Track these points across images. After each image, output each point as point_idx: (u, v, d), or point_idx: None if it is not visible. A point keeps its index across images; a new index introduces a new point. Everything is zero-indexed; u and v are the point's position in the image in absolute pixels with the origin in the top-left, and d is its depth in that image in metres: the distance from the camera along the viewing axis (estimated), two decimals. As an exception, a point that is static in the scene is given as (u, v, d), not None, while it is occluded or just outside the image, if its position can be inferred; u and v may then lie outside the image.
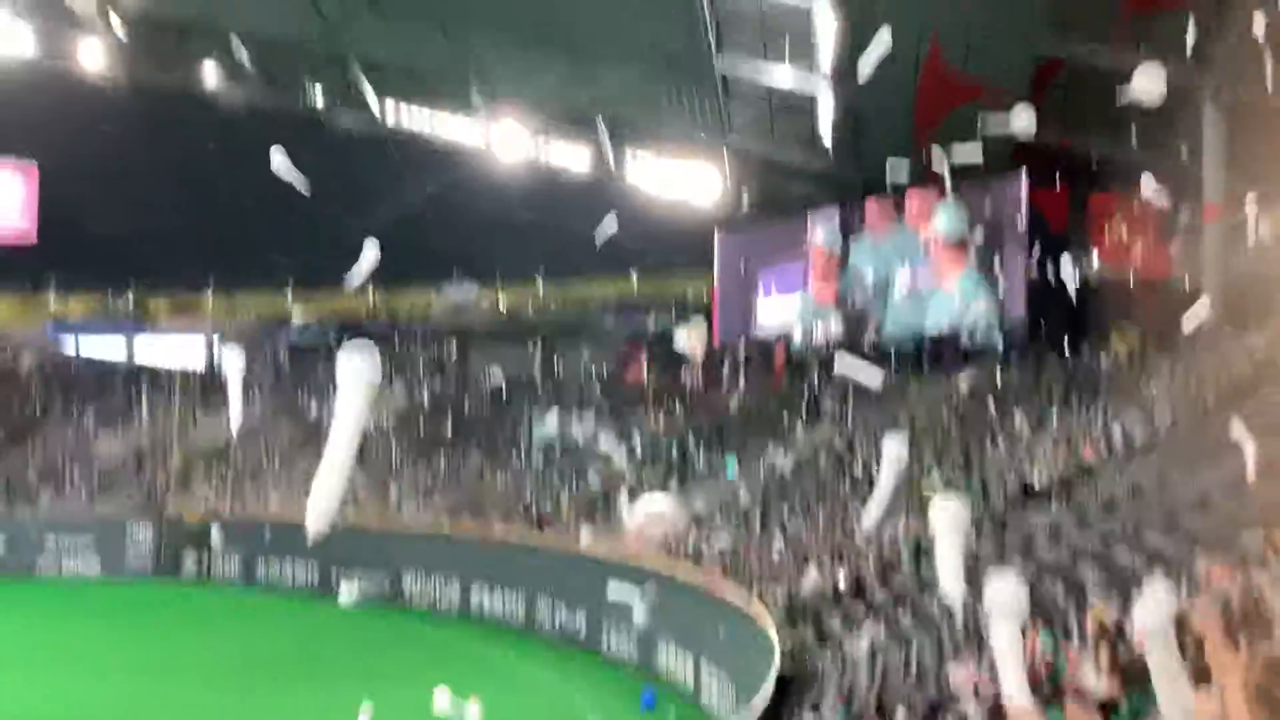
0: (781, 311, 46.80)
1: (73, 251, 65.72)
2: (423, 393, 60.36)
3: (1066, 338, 36.87)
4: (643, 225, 53.11)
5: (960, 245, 41.32)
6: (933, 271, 41.66)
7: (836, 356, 41.45)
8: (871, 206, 44.47)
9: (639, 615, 26.46)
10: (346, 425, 8.40)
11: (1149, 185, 22.13)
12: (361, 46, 52.04)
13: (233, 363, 17.67)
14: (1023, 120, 14.51)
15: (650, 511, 37.51)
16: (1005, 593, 6.78)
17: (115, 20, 55.23)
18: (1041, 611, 18.43)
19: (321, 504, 8.59)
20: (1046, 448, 29.04)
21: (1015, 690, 6.56)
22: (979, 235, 40.48)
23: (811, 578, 27.35)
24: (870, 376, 20.80)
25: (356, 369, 8.32)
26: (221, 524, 48.63)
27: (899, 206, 43.14)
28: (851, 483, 33.46)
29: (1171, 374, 30.65)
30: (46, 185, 66.73)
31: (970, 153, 21.82)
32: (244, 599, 45.04)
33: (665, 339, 52.01)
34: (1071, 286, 29.78)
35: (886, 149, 42.38)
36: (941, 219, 40.93)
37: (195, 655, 35.05)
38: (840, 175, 46.22)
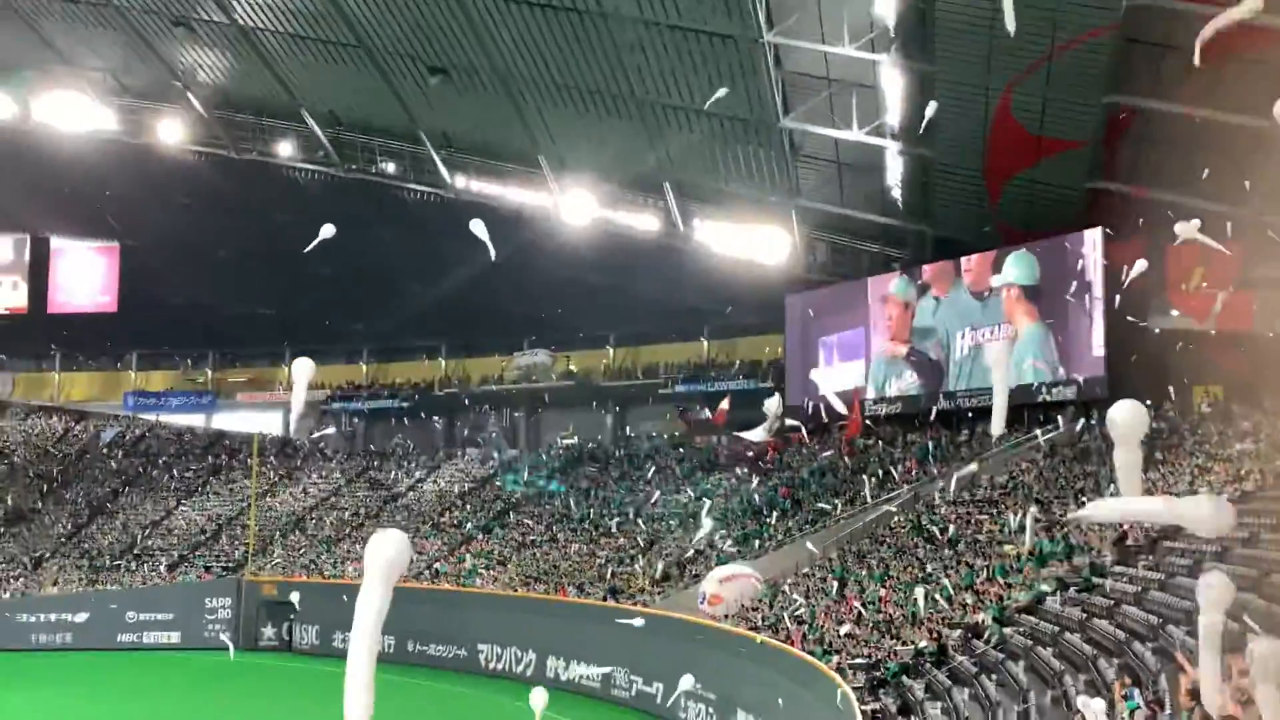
0: (844, 378, 46.65)
1: (152, 324, 67.44)
2: (495, 461, 60.67)
3: (1146, 392, 36.16)
4: (712, 288, 53.44)
5: (1032, 296, 40.95)
6: (1006, 321, 41.49)
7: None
8: (932, 270, 44.48)
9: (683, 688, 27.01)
10: (368, 616, 8.22)
11: (1224, 236, 21.76)
12: (433, 119, 53.08)
13: (302, 369, 18.05)
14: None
15: (727, 578, 37.37)
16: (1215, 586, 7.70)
17: (195, 97, 56.91)
18: (1130, 674, 17.93)
19: (358, 697, 8.49)
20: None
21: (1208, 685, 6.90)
22: (1051, 288, 40.12)
23: (893, 646, 26.89)
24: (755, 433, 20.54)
25: (388, 560, 8.25)
26: (299, 593, 49.08)
27: (959, 268, 43.16)
28: (930, 545, 32.94)
29: (1257, 429, 29.90)
30: (128, 258, 68.71)
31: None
32: (322, 668, 45.22)
33: (740, 402, 51.98)
34: (1149, 340, 29.25)
35: (957, 207, 42.40)
36: (1013, 269, 40.58)
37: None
38: (910, 234, 46.10)
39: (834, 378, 48.04)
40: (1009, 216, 40.44)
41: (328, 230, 19.67)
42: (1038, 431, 38.29)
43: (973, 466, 33.72)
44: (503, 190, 54.65)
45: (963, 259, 43.31)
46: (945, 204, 42.94)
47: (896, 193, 43.08)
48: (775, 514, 42.86)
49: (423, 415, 67.44)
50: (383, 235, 60.53)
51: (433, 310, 63.51)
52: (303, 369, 18.15)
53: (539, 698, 24.11)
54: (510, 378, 63.78)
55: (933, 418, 42.24)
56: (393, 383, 68.36)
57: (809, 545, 38.09)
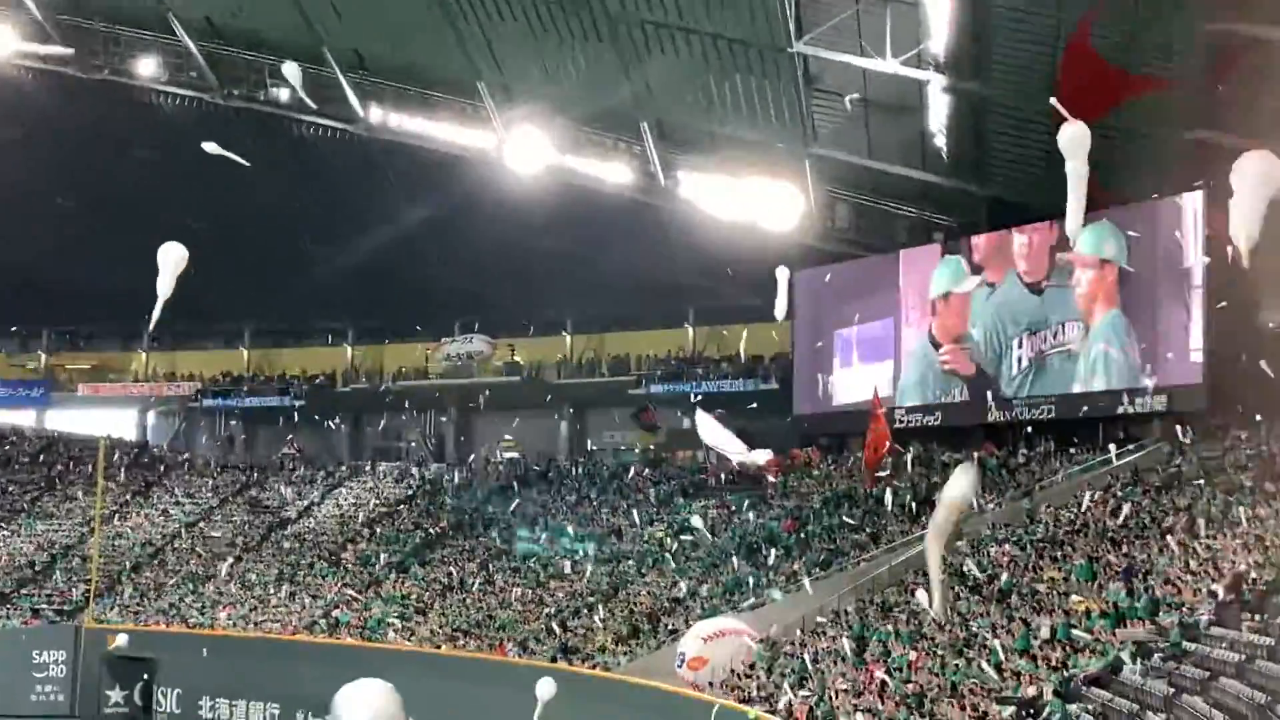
0: (867, 384, 46.93)
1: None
2: (415, 477, 60.55)
3: (1257, 406, 36.42)
4: (701, 259, 53.37)
5: (1111, 278, 41.20)
6: (1079, 309, 41.80)
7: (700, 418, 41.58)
8: (985, 245, 44.68)
9: None
10: None
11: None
12: (342, 33, 52.85)
13: (170, 255, 18.40)
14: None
15: (713, 635, 37.32)
16: None
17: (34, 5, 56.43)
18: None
19: None
20: (1234, 551, 28.57)
21: None
22: (1137, 269, 40.37)
23: (924, 724, 27.00)
24: (733, 446, 20.79)
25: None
26: (154, 647, 48.72)
27: (1031, 241, 43.30)
28: (975, 596, 33.05)
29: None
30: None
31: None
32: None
33: (735, 407, 51.99)
34: (1262, 340, 29.44)
35: (1017, 161, 42.53)
36: (1090, 240, 40.84)
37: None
38: (956, 195, 46.23)
39: (853, 384, 48.20)
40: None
41: (213, 147, 19.92)
42: (1113, 450, 38.48)
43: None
44: (431, 128, 54.45)
45: (1016, 234, 43.41)
46: (1002, 157, 43.10)
47: (940, 141, 43.12)
48: (776, 553, 42.89)
49: (321, 418, 67.10)
50: (273, 183, 60.16)
51: (338, 283, 63.24)
52: (171, 254, 18.42)
53: (545, 688, 26.92)
54: (437, 371, 63.62)
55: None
56: (283, 375, 68.14)
57: (815, 592, 38.16)
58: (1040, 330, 43.25)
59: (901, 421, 46.48)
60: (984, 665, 28.24)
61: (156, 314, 21.08)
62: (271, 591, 51.98)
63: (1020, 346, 43.78)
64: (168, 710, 47.67)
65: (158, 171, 61.20)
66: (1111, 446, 38.67)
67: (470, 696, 41.30)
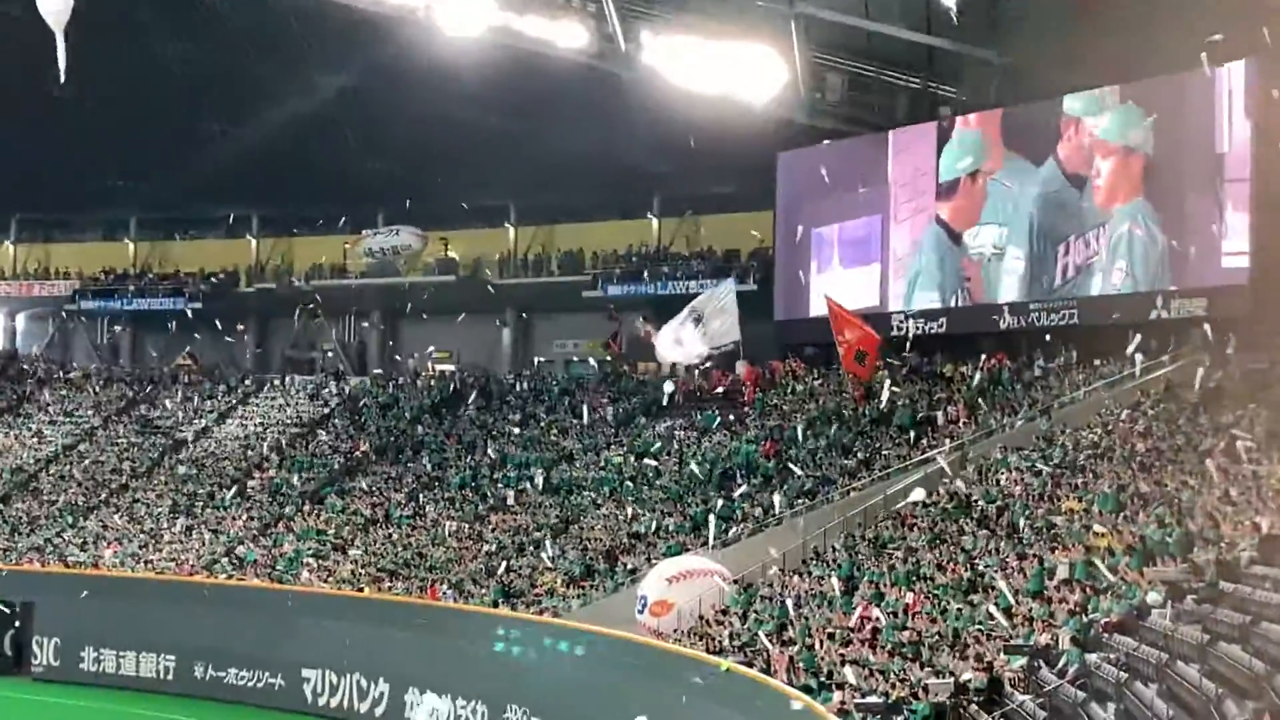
0: (862, 285, 47.12)
1: None
2: (332, 393, 60.49)
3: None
4: (667, 139, 53.12)
5: (1135, 162, 41.39)
6: (1097, 201, 42.01)
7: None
8: (987, 122, 44.76)
9: None
10: None
11: None
12: None
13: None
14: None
15: (679, 575, 37.50)
16: None
17: None
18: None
19: None
20: (1282, 481, 28.75)
21: None
22: (1165, 155, 40.50)
23: (927, 679, 27.24)
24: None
25: None
26: (27, 590, 48.75)
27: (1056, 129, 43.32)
28: (981, 531, 33.31)
29: None
30: None
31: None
32: (68, 701, 45.12)
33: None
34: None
35: (1040, 19, 42.38)
36: (1108, 123, 40.87)
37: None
38: (968, 62, 46.11)
39: (845, 285, 48.30)
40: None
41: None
42: (1139, 361, 38.58)
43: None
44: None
45: (1062, 118, 43.26)
46: (1022, 14, 42.98)
47: (950, -1, 42.98)
48: (753, 481, 43.07)
49: (221, 323, 66.76)
50: (164, 45, 59.53)
51: (241, 165, 62.73)
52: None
53: None
54: (358, 268, 63.36)
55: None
56: (176, 272, 67.74)
57: (799, 526, 38.37)
58: (1082, 234, 43.11)
59: (898, 329, 46.58)
60: (991, 609, 28.50)
61: (62, 60, 20.81)
62: (165, 525, 51.99)
63: (1067, 254, 43.66)
64: (44, 661, 47.82)
65: (26, 30, 60.31)
66: (1139, 357, 38.80)
67: (397, 645, 41.58)
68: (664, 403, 50.25)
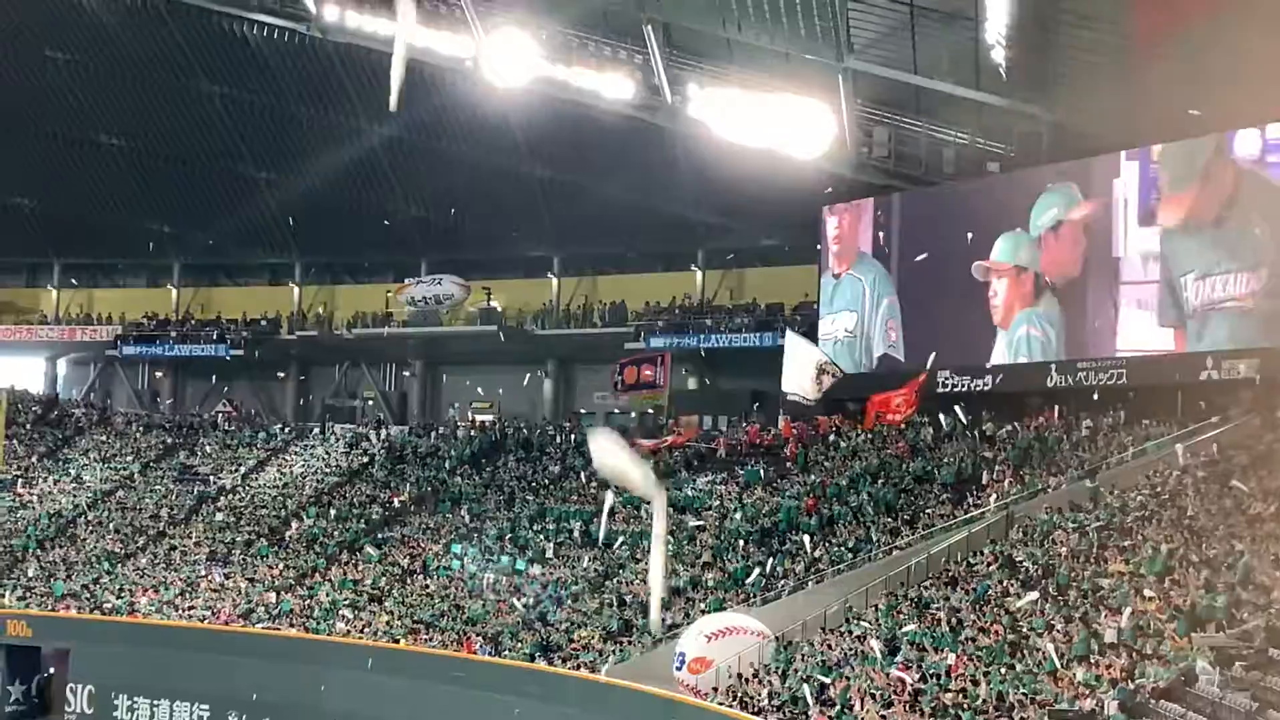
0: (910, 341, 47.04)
1: None
2: (372, 442, 60.54)
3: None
4: (713, 191, 53.22)
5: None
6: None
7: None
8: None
9: None
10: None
11: None
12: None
13: None
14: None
15: (718, 633, 37.34)
16: None
17: None
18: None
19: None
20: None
21: None
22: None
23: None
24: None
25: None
26: (62, 637, 48.89)
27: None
28: (1026, 591, 33.10)
29: None
30: None
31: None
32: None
33: (750, 364, 51.93)
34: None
35: (1091, 78, 42.33)
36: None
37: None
38: (1016, 118, 46.06)
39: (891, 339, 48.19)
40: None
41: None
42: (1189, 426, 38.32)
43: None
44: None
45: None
46: (1071, 71, 42.90)
47: (999, 54, 42.88)
48: (795, 538, 42.89)
49: (262, 370, 67.11)
50: (209, 91, 60.08)
51: (285, 211, 63.23)
52: None
53: None
54: (400, 317, 63.54)
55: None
56: (218, 318, 68.04)
57: (841, 585, 38.15)
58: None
59: (945, 385, 46.42)
60: (1035, 673, 28.28)
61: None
62: (201, 574, 52.05)
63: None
64: (78, 709, 47.92)
65: (73, 75, 61.04)
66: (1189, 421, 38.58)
67: (431, 698, 41.52)
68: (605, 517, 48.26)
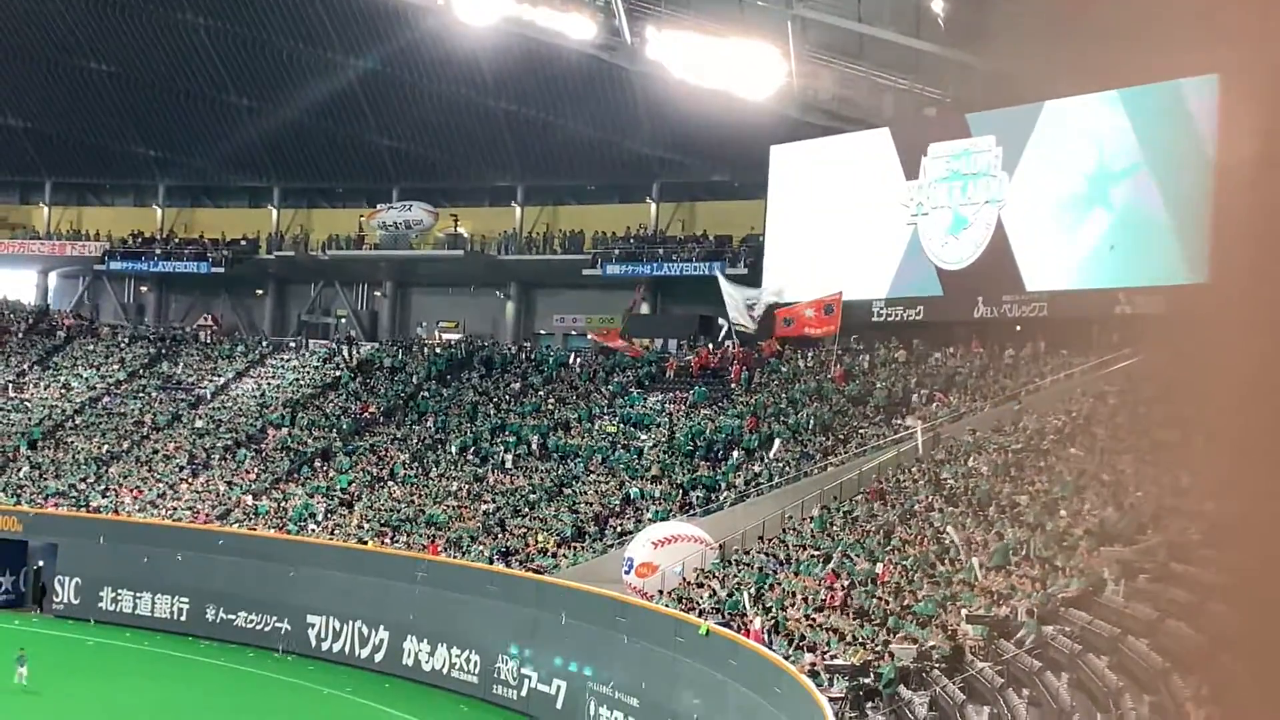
0: (844, 272, 47.04)
1: None
2: (347, 357, 60.44)
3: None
4: (668, 129, 53.10)
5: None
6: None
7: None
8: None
9: None
10: None
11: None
12: None
13: None
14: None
15: (664, 540, 37.58)
16: None
17: None
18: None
19: None
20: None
21: None
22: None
23: (890, 643, 27.33)
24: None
25: None
26: (51, 532, 48.88)
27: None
28: (951, 508, 33.40)
29: None
30: None
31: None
32: (85, 637, 45.19)
33: (696, 293, 51.98)
34: None
35: (1023, 32, 42.28)
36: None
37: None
38: (952, 66, 46.02)
39: (827, 273, 48.27)
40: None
41: None
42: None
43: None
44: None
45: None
46: (1006, 22, 42.82)
47: (937, 5, 42.84)
48: (736, 454, 43.14)
49: (242, 287, 66.80)
50: (193, 22, 59.43)
51: (265, 139, 62.70)
52: None
53: None
54: (372, 240, 63.25)
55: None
56: (200, 237, 67.55)
57: (778, 498, 38.47)
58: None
59: (880, 315, 46.63)
60: (955, 581, 28.60)
61: None
62: (182, 476, 52.04)
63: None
64: (65, 600, 47.97)
65: (64, 2, 60.27)
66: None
67: (395, 595, 41.76)
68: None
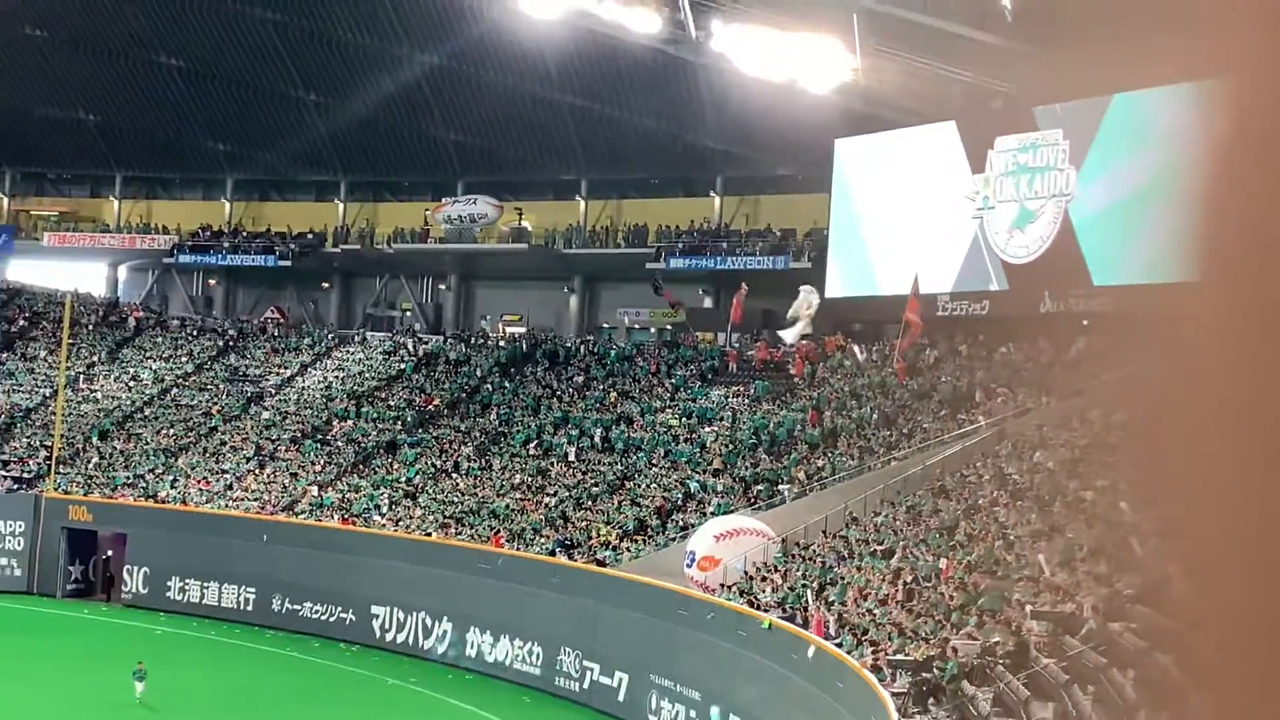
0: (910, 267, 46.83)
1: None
2: (411, 350, 60.68)
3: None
4: (732, 122, 52.98)
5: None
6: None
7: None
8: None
9: None
10: None
11: None
12: None
13: None
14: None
15: (725, 534, 37.55)
16: None
17: None
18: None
19: None
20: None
21: None
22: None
23: (952, 641, 27.20)
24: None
25: None
26: (120, 523, 49.35)
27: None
28: (1016, 502, 33.19)
29: None
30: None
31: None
32: (147, 630, 45.54)
33: (762, 286, 51.87)
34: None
35: (1090, 25, 41.93)
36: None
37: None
38: (1018, 60, 45.68)
39: (895, 267, 48.04)
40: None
41: None
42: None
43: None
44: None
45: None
46: (1073, 14, 42.50)
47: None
48: (799, 448, 43.03)
49: (309, 280, 67.23)
50: (261, 17, 59.81)
51: (332, 133, 63.08)
52: None
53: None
54: (437, 234, 63.52)
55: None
56: (268, 231, 68.06)
57: (841, 492, 38.33)
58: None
59: (945, 310, 46.34)
60: (1019, 578, 28.41)
61: None
62: (249, 468, 52.41)
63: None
64: (134, 589, 48.42)
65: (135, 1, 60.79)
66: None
67: (459, 586, 41.91)
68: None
